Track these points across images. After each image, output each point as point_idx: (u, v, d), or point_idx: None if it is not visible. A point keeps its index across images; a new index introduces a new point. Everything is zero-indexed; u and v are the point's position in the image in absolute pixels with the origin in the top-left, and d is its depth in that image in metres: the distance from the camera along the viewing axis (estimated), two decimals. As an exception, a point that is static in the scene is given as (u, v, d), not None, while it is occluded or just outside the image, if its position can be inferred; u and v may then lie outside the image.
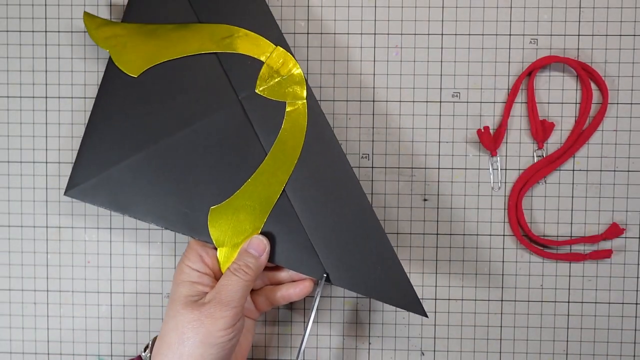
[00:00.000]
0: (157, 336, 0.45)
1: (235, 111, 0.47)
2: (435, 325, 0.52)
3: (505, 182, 0.51)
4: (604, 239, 0.50)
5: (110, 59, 0.47)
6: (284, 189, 0.46)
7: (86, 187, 0.47)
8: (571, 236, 0.51)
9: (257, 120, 0.46)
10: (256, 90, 0.46)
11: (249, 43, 0.47)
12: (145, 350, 0.45)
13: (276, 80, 0.46)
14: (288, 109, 0.46)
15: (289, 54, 0.46)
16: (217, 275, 0.46)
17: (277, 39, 0.47)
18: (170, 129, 0.47)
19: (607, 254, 0.50)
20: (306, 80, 0.46)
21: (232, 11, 0.47)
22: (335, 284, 0.46)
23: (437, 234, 0.51)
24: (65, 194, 0.47)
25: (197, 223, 0.46)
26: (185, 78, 0.47)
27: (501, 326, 0.52)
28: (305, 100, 0.46)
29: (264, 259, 0.45)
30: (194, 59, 0.47)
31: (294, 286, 0.47)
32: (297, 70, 0.46)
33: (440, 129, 0.51)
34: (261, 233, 0.46)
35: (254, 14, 0.47)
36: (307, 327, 0.45)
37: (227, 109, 0.47)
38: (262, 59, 0.47)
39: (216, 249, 0.46)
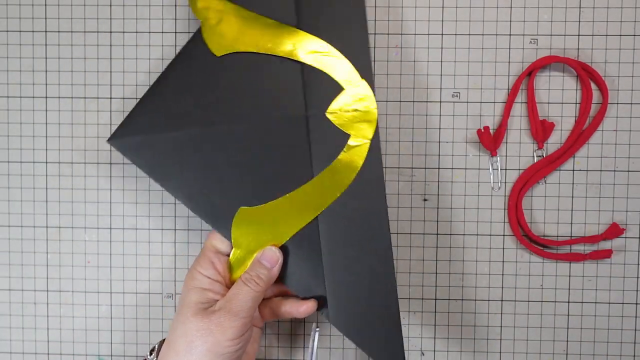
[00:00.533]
0: (164, 339, 0.45)
1: (298, 124, 0.46)
2: (435, 325, 0.52)
3: (505, 182, 0.51)
4: (604, 239, 0.50)
5: (199, 29, 0.46)
6: (317, 217, 0.45)
7: (130, 142, 0.46)
8: (571, 236, 0.51)
9: (316, 141, 0.46)
10: (326, 113, 0.46)
11: (337, 66, 0.46)
12: (151, 354, 0.45)
13: (349, 111, 0.46)
14: (350, 142, 0.45)
15: (371, 90, 0.45)
16: (228, 283, 0.45)
17: (365, 70, 0.46)
18: (229, 119, 0.46)
19: (607, 254, 0.50)
20: (377, 122, 0.46)
21: (332, 28, 0.46)
22: (331, 323, 0.46)
23: (437, 234, 0.51)
24: (107, 141, 0.46)
25: (222, 217, 0.46)
26: (263, 75, 0.46)
27: (501, 326, 0.52)
28: (369, 141, 0.45)
29: (275, 271, 0.44)
30: (278, 60, 0.46)
31: (298, 305, 0.46)
32: (374, 109, 0.45)
33: (440, 129, 0.51)
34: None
35: (352, 38, 0.46)
36: None
37: (292, 120, 0.46)
38: (344, 85, 0.46)
39: (228, 255, 0.46)
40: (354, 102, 0.46)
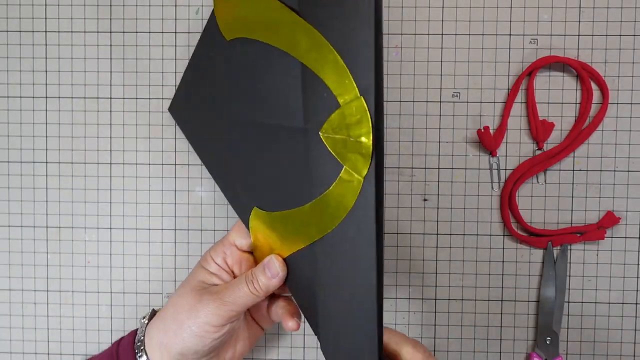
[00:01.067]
0: (157, 309, 0.47)
1: (298, 137, 0.39)
2: (435, 325, 0.52)
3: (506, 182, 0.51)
4: (599, 227, 0.50)
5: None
6: (313, 244, 0.41)
7: (181, 114, 0.48)
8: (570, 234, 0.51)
9: (314, 161, 0.39)
10: (320, 132, 0.38)
11: (335, 73, 0.36)
12: (144, 318, 0.47)
13: (343, 136, 0.37)
14: (343, 175, 0.37)
15: (368, 114, 0.35)
16: (235, 277, 0.46)
17: (366, 86, 0.35)
18: (240, 113, 0.43)
19: (600, 234, 0.50)
20: (372, 158, 0.36)
21: (333, 20, 0.36)
22: (322, 351, 0.43)
23: (437, 234, 0.51)
24: (168, 109, 0.50)
25: (243, 210, 0.45)
26: (266, 73, 0.40)
27: (501, 326, 0.52)
28: (362, 179, 0.36)
29: (274, 282, 0.43)
30: (281, 55, 0.39)
31: (287, 318, 0.45)
32: (367, 141, 0.36)
33: (440, 129, 0.51)
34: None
35: (354, 40, 0.35)
36: None
37: (293, 131, 0.40)
38: (340, 101, 0.36)
39: (244, 251, 0.46)
40: (347, 124, 0.36)
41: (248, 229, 0.45)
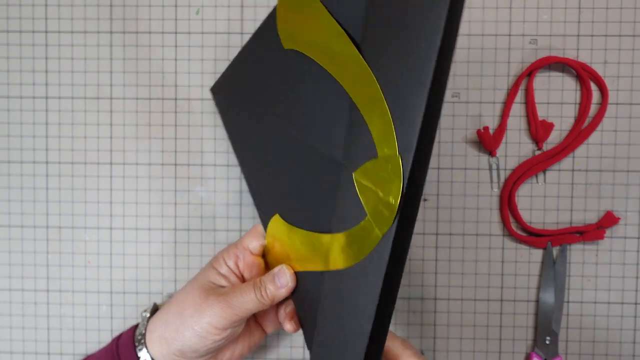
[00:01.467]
0: (157, 307, 0.47)
1: (332, 169, 0.39)
2: (435, 325, 0.52)
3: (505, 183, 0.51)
4: (599, 227, 0.50)
5: (275, 8, 0.43)
6: (323, 273, 0.41)
7: (222, 98, 0.49)
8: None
9: (341, 198, 0.38)
10: (353, 174, 0.37)
11: (380, 123, 0.34)
12: (145, 311, 0.47)
13: (373, 187, 0.35)
14: (364, 223, 0.36)
15: (401, 177, 0.33)
16: (244, 281, 0.46)
17: (407, 147, 0.33)
18: (279, 121, 0.42)
19: (600, 234, 0.50)
20: (395, 221, 0.34)
21: (392, 73, 0.34)
22: None
23: (436, 234, 0.51)
24: (210, 89, 0.51)
25: (264, 212, 0.45)
26: (317, 94, 0.40)
27: (501, 326, 0.52)
28: (380, 235, 0.35)
29: (282, 292, 0.43)
30: (333, 83, 0.38)
31: (286, 320, 0.45)
32: (394, 202, 0.34)
33: (440, 129, 0.51)
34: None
35: (408, 100, 0.33)
36: None
37: (328, 161, 0.39)
38: (379, 152, 0.35)
39: (259, 256, 0.46)
40: (379, 179, 0.35)
41: (265, 230, 0.45)
